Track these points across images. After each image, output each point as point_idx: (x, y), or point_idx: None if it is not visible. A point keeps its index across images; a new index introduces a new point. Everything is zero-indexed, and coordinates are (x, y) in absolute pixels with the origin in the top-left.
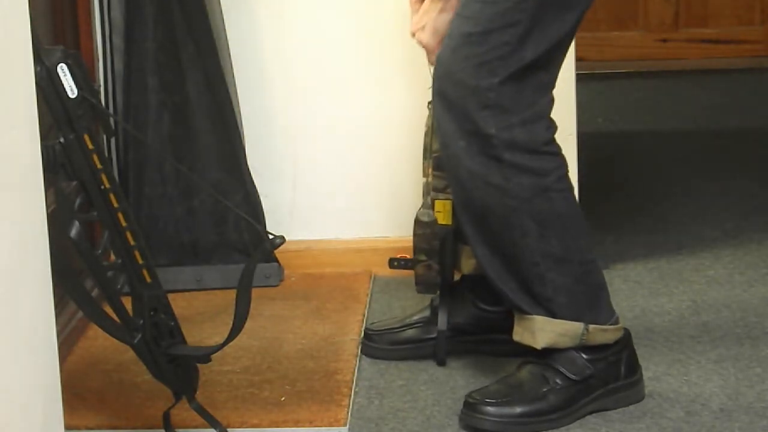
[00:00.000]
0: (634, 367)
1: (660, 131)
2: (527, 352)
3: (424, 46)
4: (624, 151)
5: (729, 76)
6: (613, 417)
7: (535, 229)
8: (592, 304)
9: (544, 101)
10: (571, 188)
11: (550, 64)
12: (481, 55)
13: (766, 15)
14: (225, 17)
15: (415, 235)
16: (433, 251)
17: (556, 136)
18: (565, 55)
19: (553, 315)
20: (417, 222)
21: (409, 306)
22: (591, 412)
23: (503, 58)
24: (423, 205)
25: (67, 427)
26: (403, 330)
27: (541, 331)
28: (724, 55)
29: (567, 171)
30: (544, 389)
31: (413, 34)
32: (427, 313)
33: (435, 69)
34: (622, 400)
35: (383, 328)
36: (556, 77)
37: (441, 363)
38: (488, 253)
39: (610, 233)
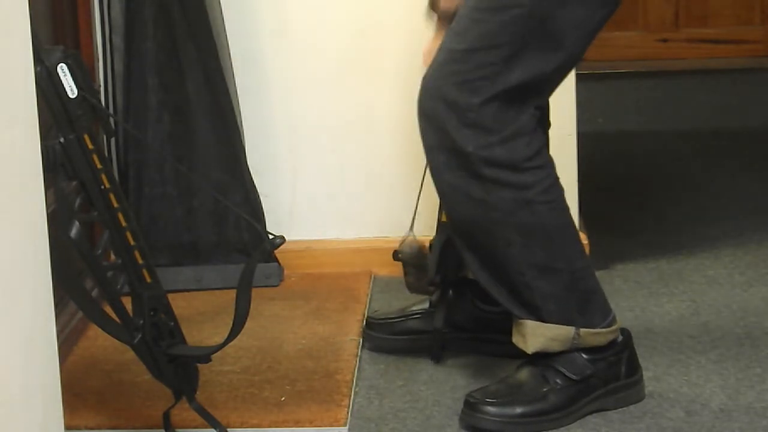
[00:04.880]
0: (634, 367)
1: (660, 131)
2: (525, 354)
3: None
4: (624, 151)
5: (729, 76)
6: (613, 417)
7: (519, 241)
8: (583, 309)
9: (525, 117)
10: (559, 198)
11: (544, 89)
12: (464, 73)
13: (766, 15)
14: (225, 17)
15: (401, 253)
16: (422, 267)
17: (556, 136)
18: (563, 79)
19: (542, 320)
20: (402, 251)
21: (409, 303)
22: (591, 412)
23: (487, 79)
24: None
25: (67, 427)
26: (403, 321)
27: (532, 335)
28: (724, 55)
29: (555, 180)
30: (545, 389)
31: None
32: (427, 304)
33: (421, 82)
34: (622, 400)
35: (383, 318)
36: (548, 97)
37: (436, 359)
38: (476, 260)
39: (610, 233)
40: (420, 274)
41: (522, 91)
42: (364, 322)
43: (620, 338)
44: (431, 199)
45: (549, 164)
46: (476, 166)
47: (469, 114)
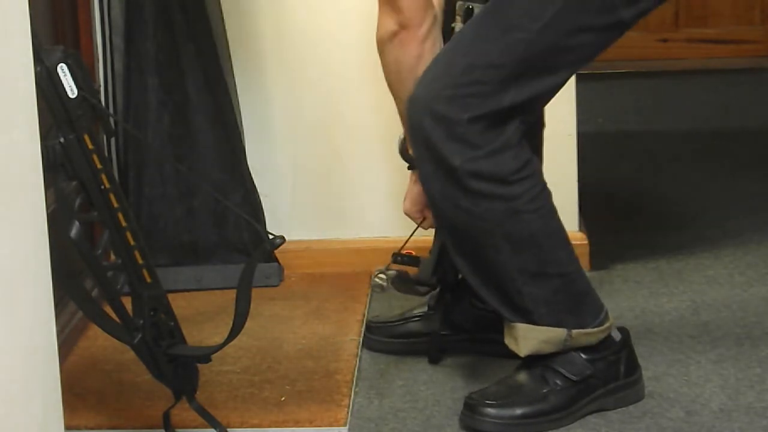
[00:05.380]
0: (633, 367)
1: (660, 131)
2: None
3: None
4: (624, 151)
5: (729, 76)
6: (613, 417)
7: (509, 248)
8: (574, 310)
9: (511, 129)
10: (547, 204)
11: (534, 109)
12: (457, 87)
13: (766, 15)
14: (225, 17)
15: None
16: (405, 280)
17: (557, 136)
18: (551, 97)
19: (534, 323)
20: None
21: (409, 306)
22: (591, 412)
23: (479, 97)
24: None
25: (67, 427)
26: (402, 324)
27: (524, 338)
28: (724, 55)
29: (543, 187)
30: (544, 390)
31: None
32: (426, 307)
33: (411, 92)
34: (622, 400)
35: (383, 321)
36: (537, 114)
37: (434, 361)
38: (466, 265)
39: (610, 233)
40: (404, 282)
41: (512, 111)
42: (365, 326)
43: (619, 337)
44: None
45: (536, 172)
46: (463, 179)
47: (458, 128)
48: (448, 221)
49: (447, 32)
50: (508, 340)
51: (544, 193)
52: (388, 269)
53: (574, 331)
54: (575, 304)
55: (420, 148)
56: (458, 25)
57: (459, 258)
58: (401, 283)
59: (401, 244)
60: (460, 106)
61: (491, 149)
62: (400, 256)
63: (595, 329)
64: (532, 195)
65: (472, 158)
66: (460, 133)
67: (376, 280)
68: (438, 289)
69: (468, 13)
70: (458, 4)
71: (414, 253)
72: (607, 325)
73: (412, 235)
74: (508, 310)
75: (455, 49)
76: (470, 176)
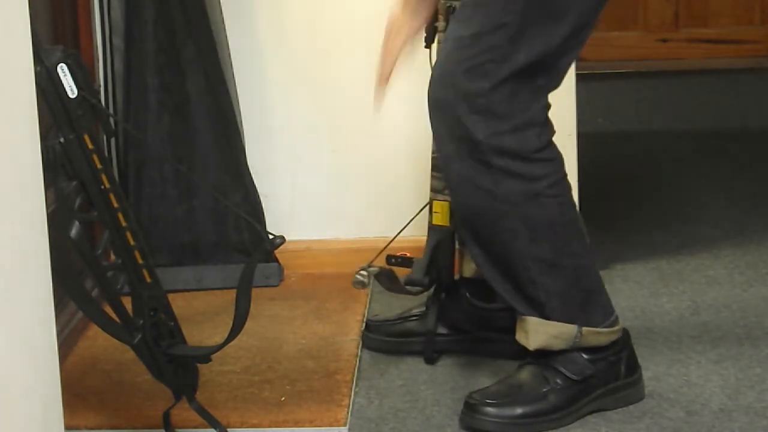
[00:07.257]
0: (633, 367)
1: (660, 131)
2: (526, 353)
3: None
4: (624, 151)
5: (729, 76)
6: (613, 417)
7: (526, 234)
8: (585, 307)
9: (537, 107)
10: (566, 193)
11: (552, 69)
12: (472, 58)
13: (766, 15)
14: (225, 17)
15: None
16: (391, 278)
17: (556, 136)
18: (572, 61)
19: (546, 317)
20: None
21: (409, 305)
22: (591, 412)
23: (495, 62)
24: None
25: (67, 427)
26: (400, 322)
27: (535, 332)
28: (724, 55)
29: (563, 176)
30: (545, 389)
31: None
32: (424, 307)
33: (431, 73)
34: (622, 400)
35: (382, 320)
36: (558, 83)
37: (430, 362)
38: (482, 254)
39: (610, 233)
40: (389, 278)
41: (530, 71)
42: (364, 324)
43: (620, 337)
44: (423, 201)
45: (558, 158)
46: (486, 155)
47: (479, 100)
48: (467, 205)
49: (431, 33)
50: (518, 334)
51: (564, 182)
52: (370, 266)
53: (585, 329)
54: (587, 300)
55: (443, 128)
56: (441, 24)
57: (475, 247)
58: (386, 279)
59: (401, 244)
60: (478, 76)
61: (515, 124)
62: (394, 258)
63: (605, 329)
64: (552, 180)
65: (495, 132)
66: (483, 105)
67: (357, 276)
68: (433, 289)
69: (450, 12)
70: (440, 3)
71: (408, 254)
72: (617, 327)
73: (399, 234)
74: (521, 302)
75: (459, 24)
76: (493, 151)
